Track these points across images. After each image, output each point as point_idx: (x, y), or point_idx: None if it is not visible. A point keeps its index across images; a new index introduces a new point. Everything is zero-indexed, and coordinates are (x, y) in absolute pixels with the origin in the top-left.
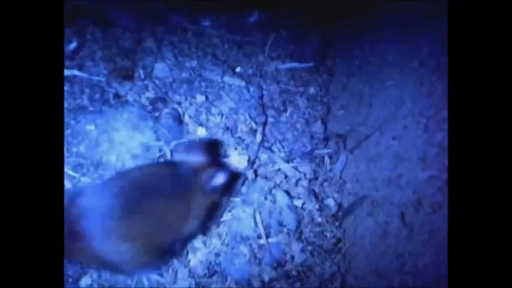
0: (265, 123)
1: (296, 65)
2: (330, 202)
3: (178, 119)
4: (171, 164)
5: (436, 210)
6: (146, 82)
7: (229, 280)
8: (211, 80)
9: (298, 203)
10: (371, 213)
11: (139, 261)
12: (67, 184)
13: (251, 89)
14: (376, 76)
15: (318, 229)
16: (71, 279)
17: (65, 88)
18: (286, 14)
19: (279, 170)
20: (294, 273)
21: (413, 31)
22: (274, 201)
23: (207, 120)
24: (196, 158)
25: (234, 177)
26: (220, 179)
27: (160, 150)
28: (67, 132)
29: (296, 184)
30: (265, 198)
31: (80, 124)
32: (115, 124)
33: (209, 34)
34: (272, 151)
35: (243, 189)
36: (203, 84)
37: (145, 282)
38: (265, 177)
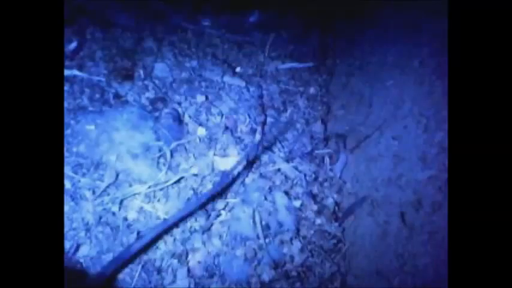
0: (264, 123)
1: (296, 65)
2: (330, 202)
3: (178, 119)
4: None
5: (436, 210)
6: (146, 82)
7: (228, 280)
8: (211, 80)
9: (297, 203)
10: (371, 213)
11: None
12: (67, 184)
13: (251, 89)
14: (376, 76)
15: (317, 229)
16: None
17: (65, 88)
18: (286, 14)
19: (279, 170)
20: (293, 273)
21: (413, 31)
22: (273, 202)
23: (207, 120)
24: None
25: None
26: None
27: (160, 150)
28: (67, 132)
29: (295, 184)
30: (265, 198)
31: (80, 124)
32: (115, 124)
33: (209, 34)
34: (272, 151)
35: (243, 189)
36: (203, 84)
37: (145, 281)
38: (265, 177)
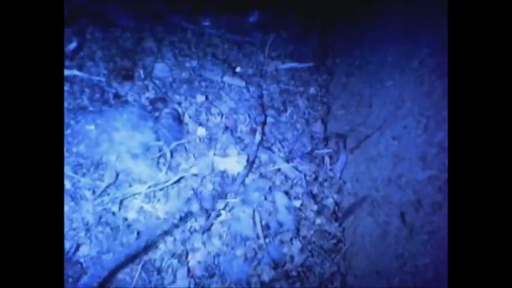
0: (264, 123)
1: (296, 65)
2: (330, 202)
3: (178, 119)
4: None
5: (436, 210)
6: (146, 82)
7: (228, 280)
8: (211, 80)
9: (297, 203)
10: (371, 213)
11: None
12: (67, 184)
13: (251, 89)
14: (376, 76)
15: (317, 229)
16: (71, 279)
17: (65, 88)
18: (286, 14)
19: (279, 170)
20: (293, 273)
21: (413, 31)
22: (273, 202)
23: (207, 120)
24: None
25: None
26: None
27: (160, 150)
28: (67, 132)
29: (295, 184)
30: (265, 198)
31: (80, 124)
32: (115, 124)
33: (209, 34)
34: (272, 151)
35: (243, 189)
36: (203, 84)
37: (145, 281)
38: (265, 177)
